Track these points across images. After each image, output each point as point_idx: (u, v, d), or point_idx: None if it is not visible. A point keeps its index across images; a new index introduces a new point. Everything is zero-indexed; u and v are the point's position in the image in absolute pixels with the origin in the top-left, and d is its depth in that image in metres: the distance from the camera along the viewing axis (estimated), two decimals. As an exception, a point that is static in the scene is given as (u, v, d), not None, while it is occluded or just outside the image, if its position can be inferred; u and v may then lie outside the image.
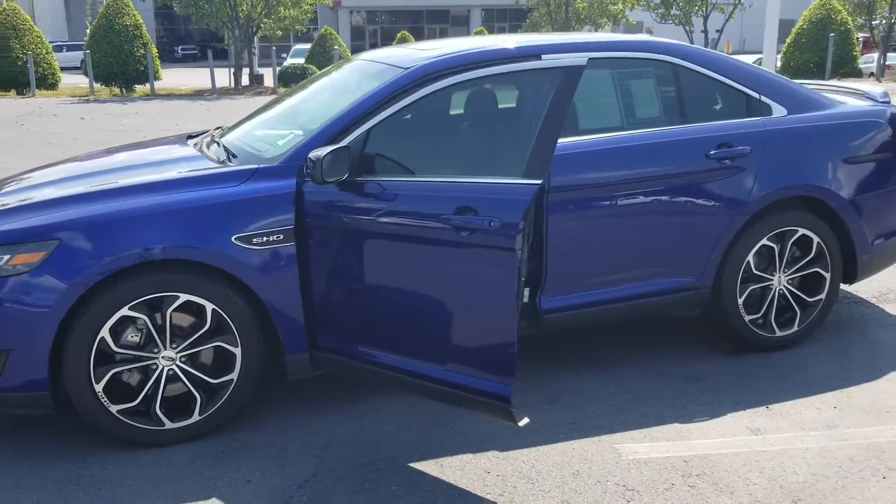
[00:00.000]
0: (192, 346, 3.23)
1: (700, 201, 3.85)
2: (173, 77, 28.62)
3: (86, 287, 3.04)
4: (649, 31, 36.39)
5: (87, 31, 29.90)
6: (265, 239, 3.21)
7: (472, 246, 2.89)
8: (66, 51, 34.16)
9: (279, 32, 24.83)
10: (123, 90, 22.07)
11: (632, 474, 3.05)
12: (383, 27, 53.78)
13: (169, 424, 3.24)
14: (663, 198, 3.79)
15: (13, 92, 21.39)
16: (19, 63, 20.80)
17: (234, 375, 3.29)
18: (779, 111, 4.05)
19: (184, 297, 3.16)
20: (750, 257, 3.98)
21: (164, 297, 3.15)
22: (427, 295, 3.06)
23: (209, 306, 3.20)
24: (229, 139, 3.91)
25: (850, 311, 4.75)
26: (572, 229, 3.67)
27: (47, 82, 21.82)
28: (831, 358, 4.09)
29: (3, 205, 3.35)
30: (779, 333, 4.12)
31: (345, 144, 3.20)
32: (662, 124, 3.88)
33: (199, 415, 3.28)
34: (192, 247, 3.14)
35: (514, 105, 3.71)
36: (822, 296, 4.17)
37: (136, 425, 3.21)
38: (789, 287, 4.12)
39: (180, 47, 51.16)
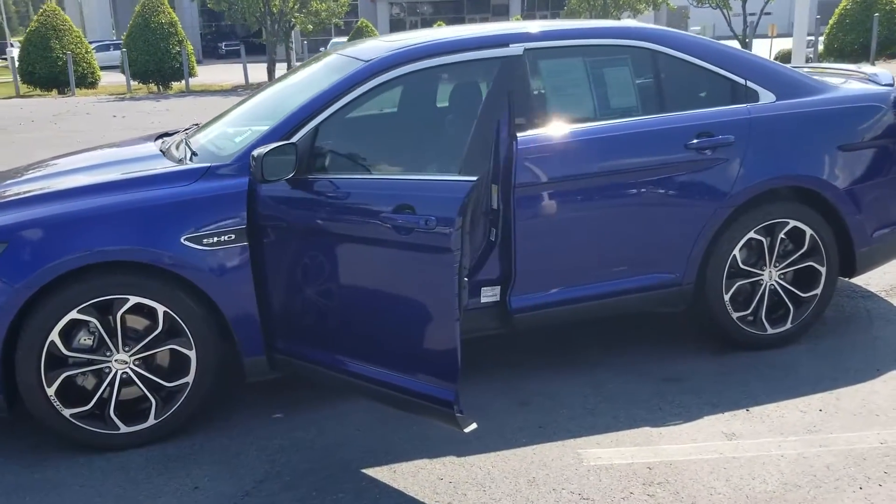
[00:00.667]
0: (145, 349, 3.18)
1: (679, 194, 3.68)
2: (212, 73, 28.96)
3: (33, 289, 3.01)
4: (686, 17, 35.55)
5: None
6: (216, 239, 3.15)
7: (411, 246, 2.79)
8: (113, 49, 34.73)
9: (310, 27, 24.91)
10: (160, 87, 22.38)
11: (590, 482, 2.92)
12: (424, 18, 53.61)
13: (124, 428, 3.20)
14: (639, 191, 3.63)
15: (55, 91, 21.85)
16: (60, 63, 21.22)
17: (190, 378, 3.24)
18: (767, 97, 3.85)
19: (134, 300, 3.12)
20: (736, 251, 3.79)
21: (113, 300, 3.11)
22: (372, 296, 2.97)
23: (161, 308, 3.15)
24: (197, 137, 3.86)
25: (855, 305, 4.52)
26: (541, 225, 3.54)
27: (87, 81, 22.23)
28: (825, 356, 3.88)
29: None
30: (770, 331, 3.93)
31: (291, 141, 3.11)
32: (638, 114, 3.71)
33: (155, 419, 3.23)
34: (139, 248, 3.09)
35: (460, 98, 3.59)
36: (818, 291, 3.96)
37: (90, 429, 3.17)
38: (781, 282, 3.92)
39: (224, 43, 51.71)
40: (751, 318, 3.92)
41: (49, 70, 21.29)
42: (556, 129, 3.58)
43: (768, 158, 3.78)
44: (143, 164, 3.57)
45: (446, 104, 3.62)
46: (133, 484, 3.00)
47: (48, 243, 3.05)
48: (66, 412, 3.13)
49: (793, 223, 3.85)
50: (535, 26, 3.74)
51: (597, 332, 4.20)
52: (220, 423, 3.41)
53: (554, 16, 47.19)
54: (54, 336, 3.06)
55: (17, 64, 21.81)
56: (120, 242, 3.08)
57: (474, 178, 2.74)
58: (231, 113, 4.09)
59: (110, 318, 3.13)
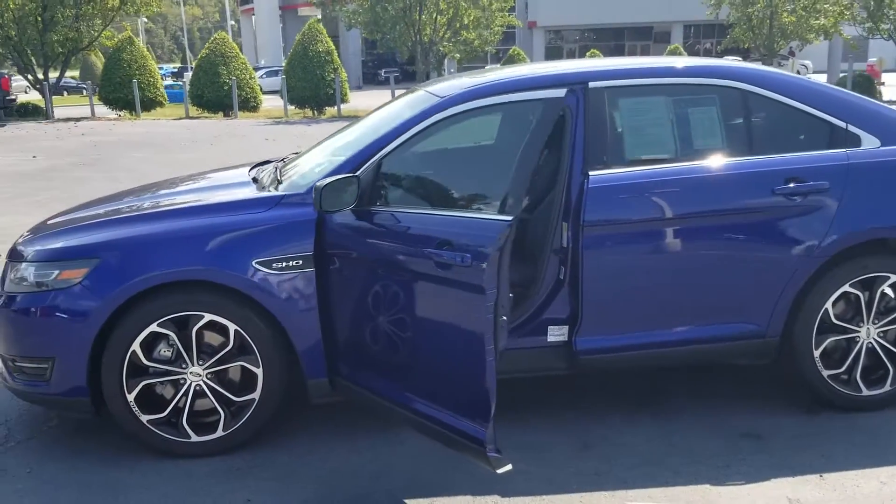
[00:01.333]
0: (217, 363, 3.38)
1: (764, 241, 3.50)
2: (365, 99, 30.07)
3: (118, 303, 3.26)
4: (792, 53, 33.33)
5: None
6: (285, 264, 3.31)
7: (450, 282, 2.82)
8: (281, 75, 36.80)
9: (457, 55, 25.46)
10: (314, 112, 23.54)
11: (631, 536, 2.82)
12: (583, 45, 53.39)
13: (194, 437, 3.40)
14: (720, 236, 3.48)
15: (220, 114, 23.45)
16: (226, 87, 22.76)
17: (256, 395, 3.40)
18: (870, 142, 3.60)
19: (208, 317, 3.32)
20: (828, 305, 3.56)
21: (190, 316, 3.32)
22: (418, 329, 3.01)
23: (232, 327, 3.33)
24: (289, 167, 4.06)
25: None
26: (611, 266, 3.47)
27: (249, 105, 23.70)
28: (927, 425, 3.56)
29: (68, 223, 3.70)
30: (866, 393, 3.65)
31: (354, 174, 3.23)
32: (724, 156, 3.57)
33: (223, 430, 3.41)
34: (214, 269, 3.29)
35: (514, 137, 3.58)
36: (923, 353, 3.65)
37: (163, 435, 3.39)
38: (881, 341, 3.64)
39: (383, 70, 53.73)
40: (844, 377, 3.66)
41: (216, 94, 22.88)
42: (632, 168, 3.51)
43: (867, 208, 3.53)
44: (230, 191, 3.80)
45: (498, 143, 3.64)
46: (192, 492, 3.17)
47: (133, 261, 3.31)
48: (144, 418, 3.36)
49: (894, 277, 3.57)
50: (617, 63, 3.70)
51: (681, 379, 4.05)
52: (286, 440, 3.55)
53: (717, 45, 45.86)
54: (136, 346, 3.30)
55: (188, 88, 23.60)
56: (196, 263, 3.30)
57: (510, 218, 2.73)
58: (324, 143, 4.28)
59: (187, 332, 3.34)
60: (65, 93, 36.13)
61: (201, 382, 3.39)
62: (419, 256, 2.94)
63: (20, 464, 3.42)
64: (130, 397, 3.34)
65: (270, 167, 4.16)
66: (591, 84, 3.56)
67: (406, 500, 3.07)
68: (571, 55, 52.78)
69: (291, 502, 3.08)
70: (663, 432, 3.55)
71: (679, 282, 3.51)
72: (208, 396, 3.40)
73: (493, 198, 3.19)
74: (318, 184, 3.15)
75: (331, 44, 23.73)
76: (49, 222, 3.91)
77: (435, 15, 24.11)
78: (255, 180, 3.97)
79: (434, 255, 2.86)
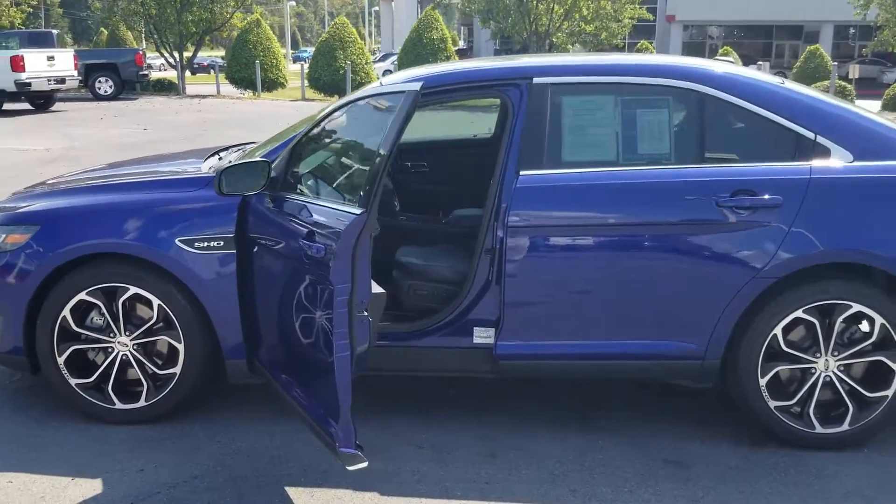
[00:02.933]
0: (143, 335, 3.48)
1: (704, 257, 3.26)
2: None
3: (49, 269, 3.42)
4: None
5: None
6: (206, 244, 3.36)
7: (313, 273, 2.82)
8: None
9: (570, 47, 24.97)
10: (426, 99, 23.72)
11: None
12: (727, 42, 51.08)
13: (119, 405, 3.53)
14: (655, 247, 3.27)
15: (336, 97, 24.05)
16: (341, 71, 23.32)
17: (177, 369, 3.49)
18: (840, 156, 3.28)
19: (133, 290, 3.43)
20: (777, 330, 3.27)
21: (117, 288, 3.44)
22: (297, 320, 3.01)
23: (155, 301, 3.43)
24: (251, 148, 4.11)
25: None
26: (535, 271, 3.33)
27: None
28: (877, 469, 3.22)
29: (34, 190, 3.91)
30: (819, 430, 3.34)
31: (265, 160, 3.24)
32: (669, 163, 3.34)
33: (145, 401, 3.52)
34: (138, 244, 3.39)
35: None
36: (889, 392, 3.30)
37: (90, 399, 3.53)
38: (841, 375, 3.31)
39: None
40: (796, 409, 3.36)
41: (332, 77, 23.47)
42: (567, 170, 3.34)
43: (827, 228, 3.22)
44: (179, 168, 3.90)
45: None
46: (100, 453, 3.30)
47: (66, 231, 3.46)
48: (72, 381, 3.52)
49: (857, 307, 3.24)
50: (566, 59, 3.52)
51: (625, 392, 3.84)
52: (207, 417, 3.62)
53: (863, 46, 42.85)
54: (66, 312, 3.45)
55: (306, 71, 24.34)
56: (122, 236, 3.40)
57: (360, 211, 2.66)
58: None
59: (115, 303, 3.46)
60: (196, 72, 38.10)
61: (128, 352, 3.50)
62: (296, 246, 2.93)
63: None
64: (60, 360, 3.49)
65: (236, 150, 4.24)
66: (536, 80, 3.41)
67: (286, 487, 3.08)
68: (713, 52, 50.61)
69: (180, 475, 3.15)
70: (582, 447, 3.38)
71: (608, 292, 3.33)
72: (133, 367, 3.51)
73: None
74: (219, 166, 3.18)
75: (446, 32, 23.86)
76: (26, 188, 4.14)
77: (552, 4, 23.74)
78: (220, 160, 4.06)
79: (305, 245, 2.83)
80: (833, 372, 3.31)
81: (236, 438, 3.44)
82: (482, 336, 3.45)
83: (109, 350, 3.51)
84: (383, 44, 54.88)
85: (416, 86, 2.88)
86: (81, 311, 3.49)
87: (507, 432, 3.51)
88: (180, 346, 3.46)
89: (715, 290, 3.27)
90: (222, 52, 52.43)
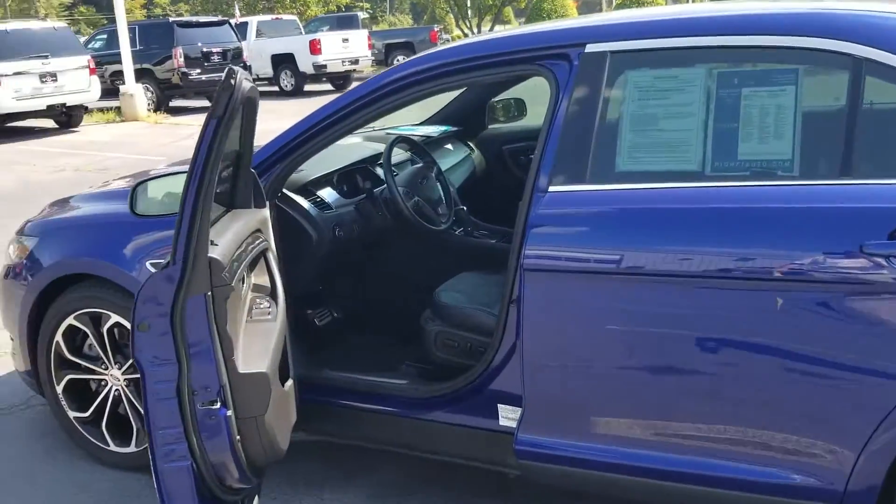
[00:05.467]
0: (133, 370, 2.97)
1: (839, 338, 1.92)
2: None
3: (40, 288, 3.02)
4: None
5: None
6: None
7: None
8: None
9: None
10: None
11: None
12: None
13: (112, 446, 3.06)
14: (754, 317, 2.00)
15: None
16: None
17: (164, 414, 2.92)
18: None
19: (115, 318, 2.92)
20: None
21: (101, 314, 2.95)
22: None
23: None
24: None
25: None
26: (563, 336, 2.23)
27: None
28: None
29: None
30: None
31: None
32: (789, 177, 2.02)
33: (135, 446, 3.02)
34: (103, 263, 2.86)
35: None
36: None
37: (86, 436, 3.11)
38: None
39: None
40: None
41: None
42: (622, 185, 2.17)
43: None
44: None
45: None
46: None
47: (52, 245, 3.05)
48: (71, 413, 3.12)
49: None
50: (637, 15, 2.29)
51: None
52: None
53: None
54: (59, 337, 3.05)
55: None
56: (89, 254, 2.90)
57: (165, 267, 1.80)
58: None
59: (101, 330, 2.98)
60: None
61: (120, 388, 3.02)
62: None
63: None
64: (59, 389, 3.11)
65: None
66: (590, 47, 2.27)
67: None
68: None
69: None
70: None
71: (672, 381, 2.12)
72: (124, 404, 3.02)
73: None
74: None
75: None
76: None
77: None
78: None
79: None
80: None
81: None
82: (508, 417, 2.44)
83: (103, 383, 3.05)
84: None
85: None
86: (79, 336, 3.06)
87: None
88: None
89: (857, 399, 1.92)
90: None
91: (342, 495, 2.79)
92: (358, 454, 2.79)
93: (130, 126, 13.91)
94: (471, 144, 3.96)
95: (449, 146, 3.79)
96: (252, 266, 2.38)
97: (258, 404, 1.98)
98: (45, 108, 12.89)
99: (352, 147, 3.35)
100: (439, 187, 3.23)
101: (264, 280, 2.37)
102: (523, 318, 2.25)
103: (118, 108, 14.58)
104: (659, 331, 2.12)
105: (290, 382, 2.38)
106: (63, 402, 3.11)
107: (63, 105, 13.13)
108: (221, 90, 1.85)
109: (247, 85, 1.94)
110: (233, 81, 1.86)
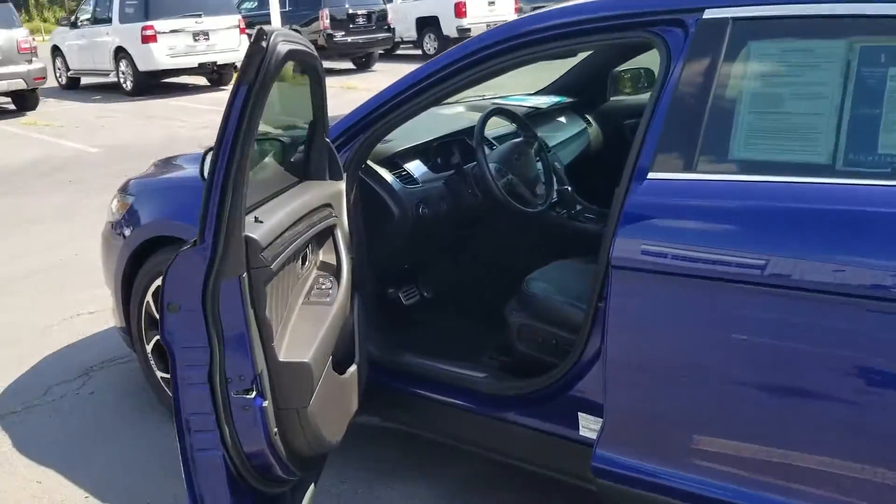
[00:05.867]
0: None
1: None
2: None
3: (132, 248, 3.02)
4: None
5: None
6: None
7: None
8: None
9: None
10: None
11: None
12: None
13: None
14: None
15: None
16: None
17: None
18: None
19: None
20: None
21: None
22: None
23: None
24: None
25: None
26: (655, 345, 1.95)
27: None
28: None
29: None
30: None
31: None
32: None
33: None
34: (186, 226, 2.79)
35: None
36: None
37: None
38: None
39: None
40: None
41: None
42: (737, 176, 1.86)
43: None
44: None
45: None
46: (130, 480, 2.85)
47: (147, 206, 3.02)
48: (158, 374, 3.13)
49: None
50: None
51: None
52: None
53: None
54: (149, 297, 3.04)
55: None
56: (179, 216, 2.84)
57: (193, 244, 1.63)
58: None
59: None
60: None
61: (205, 353, 2.98)
62: None
63: (96, 385, 3.51)
64: (148, 348, 3.12)
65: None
66: (710, 12, 1.95)
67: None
68: None
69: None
70: None
71: (790, 404, 1.81)
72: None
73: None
74: None
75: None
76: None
77: None
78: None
79: None
80: None
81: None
82: (589, 428, 2.19)
83: (189, 347, 3.02)
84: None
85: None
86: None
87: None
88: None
89: None
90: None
91: (414, 488, 2.64)
92: (434, 445, 2.62)
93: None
94: (588, 118, 3.65)
95: (562, 119, 3.51)
96: (322, 242, 2.24)
97: (300, 396, 1.83)
98: (196, 65, 13.41)
99: (452, 117, 3.14)
100: (539, 165, 2.96)
101: (333, 258, 2.22)
102: (608, 319, 1.99)
103: (266, 68, 14.99)
104: (771, 348, 1.80)
105: (353, 368, 2.23)
106: (152, 361, 3.12)
107: (214, 63, 13.61)
108: (251, 54, 1.68)
109: (284, 48, 1.75)
110: (264, 44, 1.69)
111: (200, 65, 13.45)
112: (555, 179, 3.03)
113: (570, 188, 3.10)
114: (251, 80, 1.66)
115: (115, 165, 7.83)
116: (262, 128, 1.81)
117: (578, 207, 3.13)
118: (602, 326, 2.05)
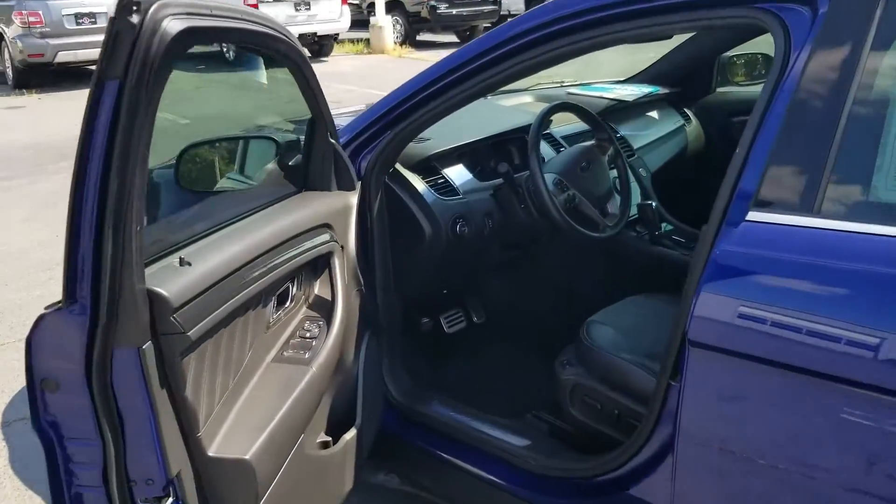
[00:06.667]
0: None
1: None
2: None
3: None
4: None
5: None
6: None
7: None
8: None
9: None
10: None
11: None
12: None
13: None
14: None
15: None
16: None
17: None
18: None
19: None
20: None
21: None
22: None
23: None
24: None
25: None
26: (760, 447, 1.39)
27: None
28: None
29: None
30: None
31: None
32: None
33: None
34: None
35: None
36: None
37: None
38: None
39: None
40: None
41: None
42: (877, 228, 1.26)
43: None
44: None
45: None
46: None
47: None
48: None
49: None
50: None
51: None
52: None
53: None
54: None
55: None
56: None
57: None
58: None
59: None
60: None
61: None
62: None
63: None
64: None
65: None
66: (845, -13, 1.35)
67: None
68: None
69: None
70: None
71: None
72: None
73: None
74: None
75: None
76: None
77: None
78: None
79: None
80: None
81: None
82: None
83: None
84: None
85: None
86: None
87: None
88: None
89: None
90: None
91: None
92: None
93: (375, 59, 13.91)
94: (687, 113, 3.03)
95: (653, 114, 2.90)
96: (317, 272, 1.76)
97: (241, 501, 1.36)
98: (296, 36, 13.18)
99: (512, 109, 2.57)
100: (611, 176, 2.37)
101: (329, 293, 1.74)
102: (682, 406, 1.44)
103: (367, 40, 14.65)
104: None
105: (349, 435, 1.75)
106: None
107: (314, 34, 13.35)
108: (116, 32, 1.14)
109: (176, 25, 1.21)
110: (134, 19, 1.15)
111: (300, 35, 13.21)
112: (637, 192, 2.44)
113: (654, 203, 2.49)
114: (120, 75, 1.16)
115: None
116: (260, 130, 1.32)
117: (666, 227, 2.53)
118: (673, 411, 1.50)
